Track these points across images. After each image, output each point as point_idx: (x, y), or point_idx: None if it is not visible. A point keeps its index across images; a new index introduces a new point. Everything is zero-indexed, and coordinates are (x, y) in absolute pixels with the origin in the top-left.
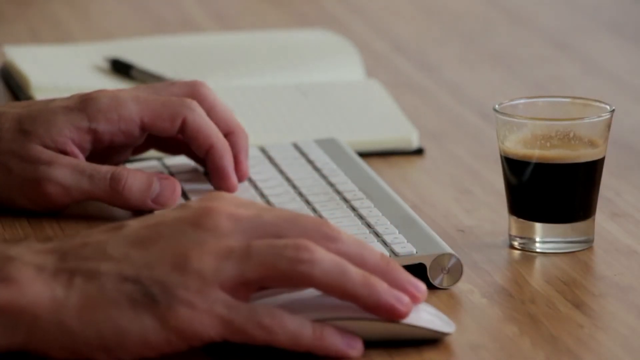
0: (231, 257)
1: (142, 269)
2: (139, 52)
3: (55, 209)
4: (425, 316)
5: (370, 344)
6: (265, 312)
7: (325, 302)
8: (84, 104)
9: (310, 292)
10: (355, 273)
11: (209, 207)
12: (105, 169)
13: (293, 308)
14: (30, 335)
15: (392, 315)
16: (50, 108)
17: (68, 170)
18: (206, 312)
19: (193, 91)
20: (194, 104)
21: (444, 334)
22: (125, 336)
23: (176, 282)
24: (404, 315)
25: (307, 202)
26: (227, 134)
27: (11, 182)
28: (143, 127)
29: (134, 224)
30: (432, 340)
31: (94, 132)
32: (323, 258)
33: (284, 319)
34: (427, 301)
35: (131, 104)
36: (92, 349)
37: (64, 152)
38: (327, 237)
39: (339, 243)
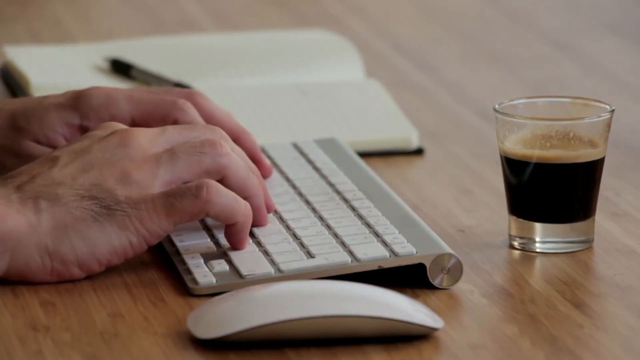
0: (161, 163)
1: (92, 187)
2: (139, 52)
3: None
4: (416, 314)
5: (369, 342)
6: (199, 185)
7: (321, 299)
8: (76, 101)
9: (308, 289)
10: (251, 171)
11: (123, 129)
12: None
13: (293, 303)
14: (13, 260)
15: (259, 215)
16: (44, 105)
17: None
18: (152, 209)
19: (189, 100)
20: (186, 105)
21: (433, 329)
22: (95, 247)
23: (123, 193)
24: (265, 221)
25: (307, 202)
26: (234, 140)
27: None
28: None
29: (66, 156)
30: (426, 337)
31: (85, 130)
32: (230, 152)
33: (220, 191)
34: (427, 301)
35: (123, 102)
36: (68, 265)
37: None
38: (223, 138)
39: (230, 142)
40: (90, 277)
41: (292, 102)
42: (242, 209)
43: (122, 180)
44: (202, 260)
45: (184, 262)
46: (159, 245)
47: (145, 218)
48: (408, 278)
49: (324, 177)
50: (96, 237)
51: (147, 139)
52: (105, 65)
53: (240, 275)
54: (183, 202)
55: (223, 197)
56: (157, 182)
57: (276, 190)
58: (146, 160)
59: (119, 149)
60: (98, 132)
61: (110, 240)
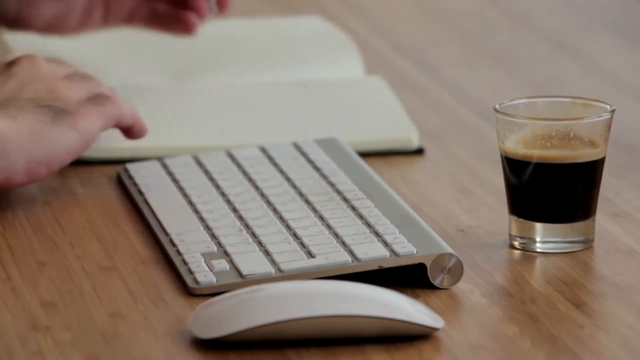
0: (70, 79)
1: (37, 100)
2: (137, 47)
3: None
4: (416, 314)
5: (370, 342)
6: (109, 95)
7: (322, 299)
8: None
9: (309, 289)
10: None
11: (27, 56)
12: None
13: (294, 303)
14: (5, 165)
15: (138, 127)
16: None
17: None
18: (94, 112)
19: None
20: None
21: (434, 329)
22: (56, 148)
23: (63, 103)
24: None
25: (307, 202)
26: None
27: None
28: None
29: (2, 87)
30: (426, 337)
31: None
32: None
33: (121, 101)
34: (427, 301)
35: None
36: (39, 165)
37: None
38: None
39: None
40: (91, 277)
41: (292, 98)
42: (133, 109)
43: (53, 94)
44: (202, 260)
45: (184, 262)
46: (159, 245)
47: (88, 121)
48: (408, 278)
49: (324, 177)
50: (56, 138)
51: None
52: None
53: (240, 275)
54: (107, 106)
55: (123, 102)
56: (79, 95)
57: (276, 190)
58: (58, 77)
59: (34, 70)
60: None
61: (69, 143)
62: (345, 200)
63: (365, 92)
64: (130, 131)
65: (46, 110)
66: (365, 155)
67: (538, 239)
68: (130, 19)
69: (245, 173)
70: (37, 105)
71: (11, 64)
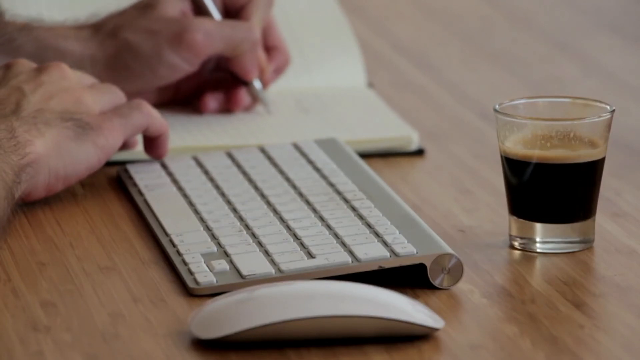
0: (95, 89)
1: (63, 112)
2: None
3: (200, 59)
4: (416, 314)
5: (370, 342)
6: (139, 102)
7: (322, 299)
8: None
9: (309, 289)
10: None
11: (56, 64)
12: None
13: (294, 303)
14: (30, 181)
15: (162, 140)
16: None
17: (207, 21)
18: (118, 126)
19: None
20: None
21: (434, 329)
22: (77, 163)
23: (87, 115)
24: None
25: (308, 203)
26: None
27: (159, 42)
28: None
29: (26, 85)
30: (426, 337)
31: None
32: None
33: (152, 110)
34: (428, 301)
35: None
36: (58, 179)
37: None
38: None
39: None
40: (91, 277)
41: (292, 115)
42: (164, 122)
43: (78, 104)
44: (202, 261)
45: (184, 262)
46: (159, 246)
47: (111, 136)
48: (408, 278)
49: (324, 177)
50: (78, 155)
51: (74, 72)
52: None
53: (240, 275)
54: (133, 116)
55: (154, 111)
56: (100, 105)
57: (276, 190)
58: (84, 88)
59: (63, 80)
60: (25, 67)
61: (88, 157)
62: (345, 200)
63: (361, 103)
64: (154, 142)
65: (71, 124)
66: (365, 155)
67: (538, 239)
68: (193, 96)
69: (245, 173)
70: (62, 119)
71: (40, 70)
